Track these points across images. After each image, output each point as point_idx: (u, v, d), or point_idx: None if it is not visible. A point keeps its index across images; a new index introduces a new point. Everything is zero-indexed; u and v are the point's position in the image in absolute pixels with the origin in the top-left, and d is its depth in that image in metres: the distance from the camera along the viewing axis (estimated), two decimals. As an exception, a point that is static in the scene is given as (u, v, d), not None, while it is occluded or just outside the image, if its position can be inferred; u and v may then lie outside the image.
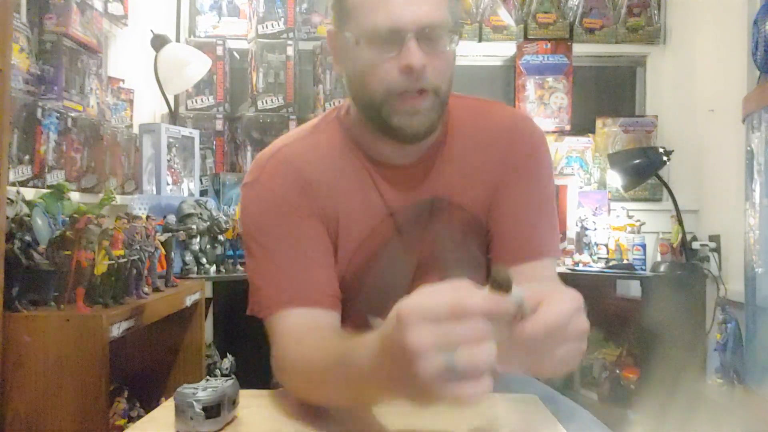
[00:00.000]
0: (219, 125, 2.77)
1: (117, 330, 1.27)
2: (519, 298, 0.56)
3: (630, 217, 2.49)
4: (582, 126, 2.88)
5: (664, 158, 2.27)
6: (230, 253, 2.16)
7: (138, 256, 1.44)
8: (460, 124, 1.01)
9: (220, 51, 2.77)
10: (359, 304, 0.97)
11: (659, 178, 2.35)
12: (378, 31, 0.84)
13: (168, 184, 2.27)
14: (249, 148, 2.74)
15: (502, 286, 0.55)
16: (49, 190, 1.53)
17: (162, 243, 1.66)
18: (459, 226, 0.98)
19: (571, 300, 0.61)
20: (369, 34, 0.85)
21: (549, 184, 1.03)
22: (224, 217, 2.13)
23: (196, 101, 2.78)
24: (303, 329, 0.87)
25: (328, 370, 0.74)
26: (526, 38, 2.88)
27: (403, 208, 0.97)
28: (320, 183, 0.96)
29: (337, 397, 0.77)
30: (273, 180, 0.96)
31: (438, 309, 0.53)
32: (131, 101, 2.42)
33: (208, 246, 2.10)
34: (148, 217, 1.57)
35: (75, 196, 1.90)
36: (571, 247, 2.49)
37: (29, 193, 1.62)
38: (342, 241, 0.96)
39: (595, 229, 2.49)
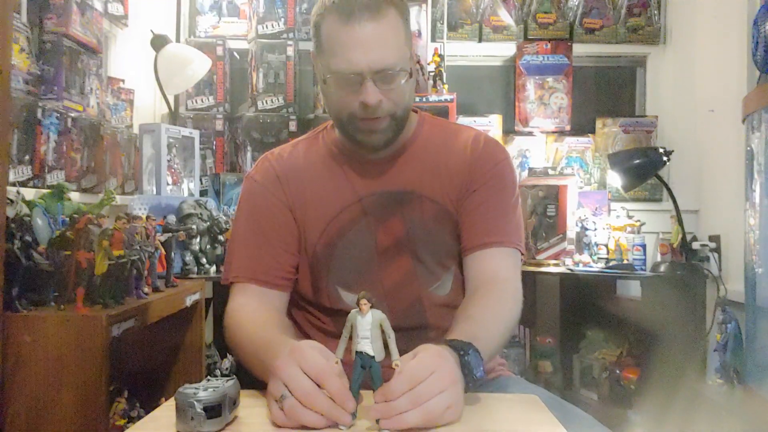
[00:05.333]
0: (219, 125, 2.77)
1: (117, 330, 1.27)
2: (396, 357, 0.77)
3: (630, 217, 2.49)
4: (582, 126, 2.89)
5: (664, 158, 2.27)
6: (230, 253, 2.16)
7: (138, 256, 1.44)
8: (429, 134, 1.20)
9: (220, 51, 2.77)
10: (330, 273, 1.13)
11: (659, 178, 2.35)
12: (342, 74, 1.03)
13: (168, 184, 2.27)
14: (249, 148, 2.74)
15: (361, 306, 0.75)
16: (49, 190, 1.53)
17: (162, 243, 1.66)
18: (431, 215, 1.14)
19: (438, 352, 0.79)
20: (335, 76, 1.04)
21: (512, 190, 1.18)
22: (224, 217, 2.13)
23: (196, 101, 2.78)
24: (253, 304, 1.10)
25: (249, 344, 1.01)
26: (526, 38, 2.88)
27: (371, 194, 1.14)
28: (293, 177, 1.17)
29: (247, 362, 1.04)
30: (257, 175, 1.19)
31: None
32: (131, 101, 2.42)
33: (208, 246, 2.11)
34: (148, 217, 1.57)
35: (75, 196, 1.90)
36: (571, 247, 2.48)
37: (29, 193, 1.62)
38: (312, 220, 1.15)
39: (595, 229, 2.48)
